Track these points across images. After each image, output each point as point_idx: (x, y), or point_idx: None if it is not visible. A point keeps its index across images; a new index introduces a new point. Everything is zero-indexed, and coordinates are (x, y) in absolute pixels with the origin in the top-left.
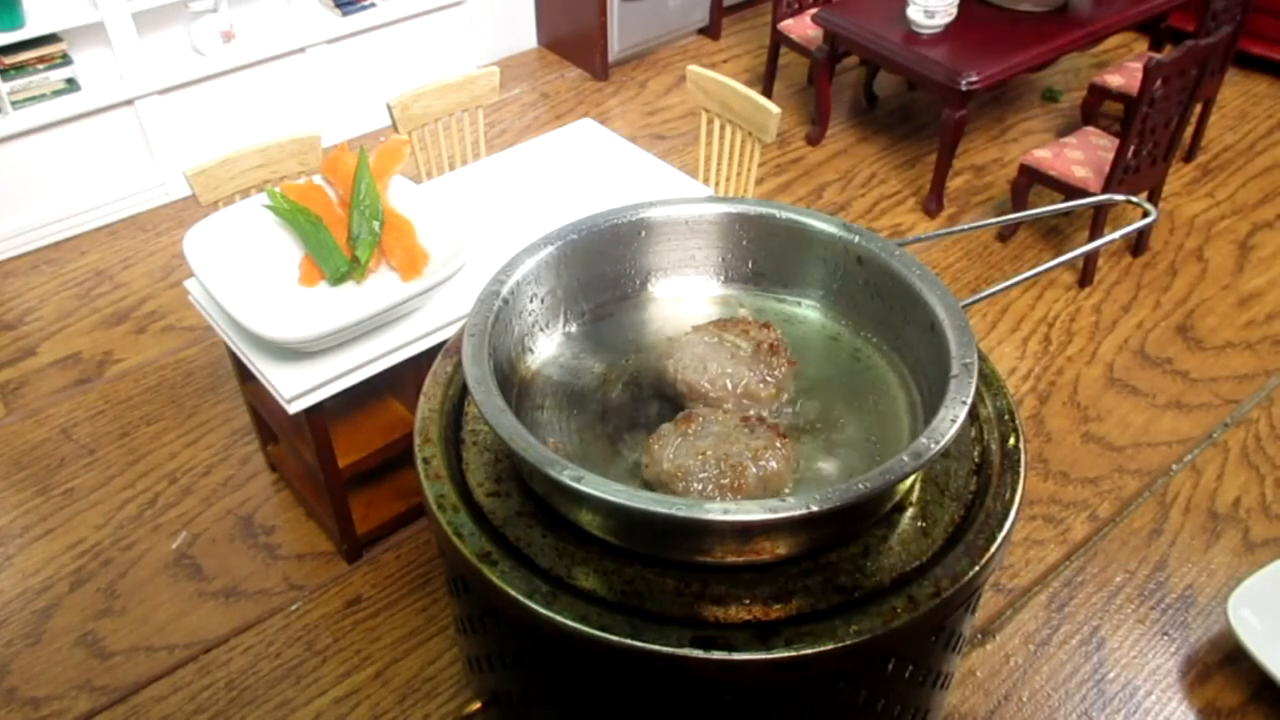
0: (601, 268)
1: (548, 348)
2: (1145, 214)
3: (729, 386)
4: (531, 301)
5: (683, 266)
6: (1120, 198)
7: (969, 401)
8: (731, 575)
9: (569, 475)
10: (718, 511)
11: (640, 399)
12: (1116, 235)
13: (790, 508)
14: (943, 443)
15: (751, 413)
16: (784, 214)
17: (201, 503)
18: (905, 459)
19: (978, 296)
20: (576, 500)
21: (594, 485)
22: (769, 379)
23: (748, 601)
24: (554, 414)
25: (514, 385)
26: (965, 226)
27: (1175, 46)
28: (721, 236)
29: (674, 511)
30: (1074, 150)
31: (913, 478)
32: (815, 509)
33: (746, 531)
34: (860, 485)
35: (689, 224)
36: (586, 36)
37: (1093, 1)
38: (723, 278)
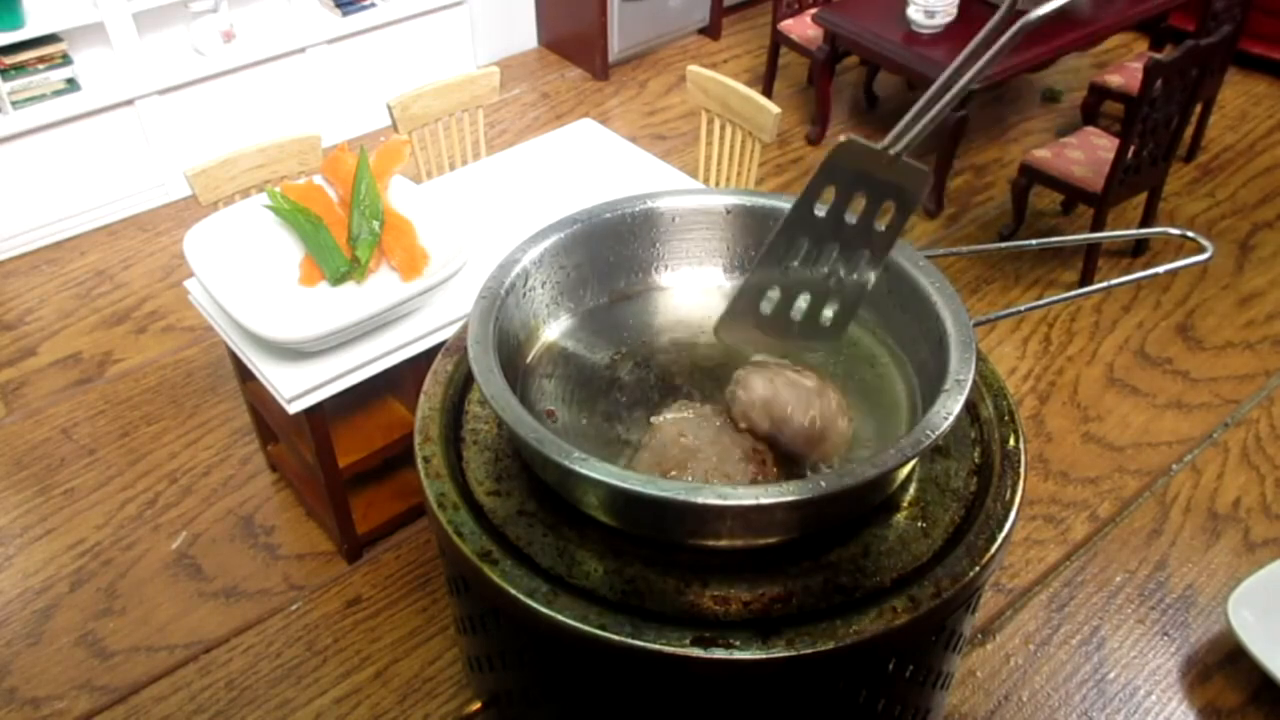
0: (609, 255)
1: (552, 332)
2: (1200, 249)
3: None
4: (542, 288)
5: (689, 257)
6: (1175, 231)
7: (963, 399)
8: (732, 575)
9: (575, 459)
10: (710, 495)
11: (644, 385)
12: (1162, 269)
13: (783, 493)
14: (934, 436)
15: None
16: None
17: (201, 503)
18: (896, 450)
19: (990, 317)
20: (569, 479)
21: (584, 464)
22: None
23: (748, 601)
24: (557, 401)
25: (519, 369)
26: (993, 246)
27: (1175, 46)
28: (733, 229)
29: (665, 494)
30: (1074, 150)
31: (910, 475)
32: (808, 495)
33: (741, 516)
34: (852, 474)
35: (706, 215)
36: (586, 36)
37: (1093, 1)
38: (730, 271)
